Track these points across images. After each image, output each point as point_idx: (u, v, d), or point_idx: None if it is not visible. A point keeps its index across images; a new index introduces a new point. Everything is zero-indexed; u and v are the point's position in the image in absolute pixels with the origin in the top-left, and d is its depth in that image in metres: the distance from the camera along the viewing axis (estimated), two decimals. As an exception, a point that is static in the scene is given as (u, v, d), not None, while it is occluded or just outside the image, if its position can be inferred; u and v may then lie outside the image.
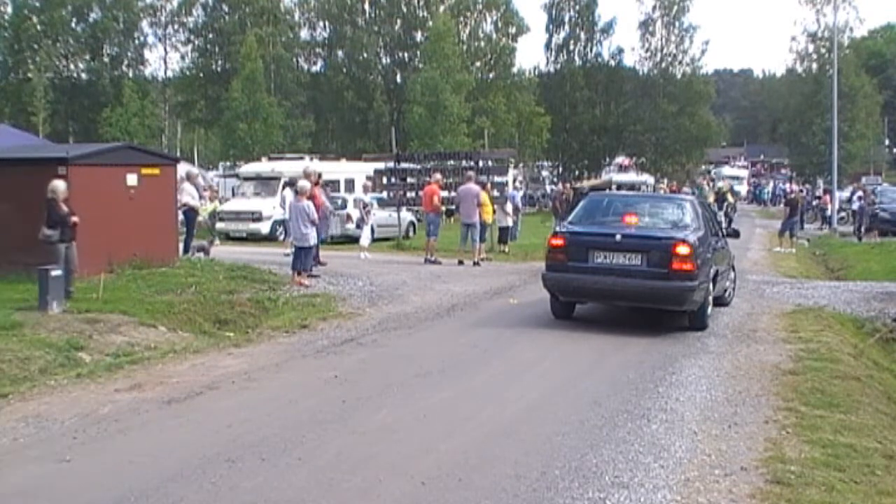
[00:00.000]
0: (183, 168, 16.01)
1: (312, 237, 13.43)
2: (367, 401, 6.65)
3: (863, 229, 28.56)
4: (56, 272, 9.55)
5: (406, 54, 52.25)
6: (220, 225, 22.36)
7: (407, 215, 22.78)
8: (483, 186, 17.89)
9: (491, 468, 5.12)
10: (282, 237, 20.70)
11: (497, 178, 20.28)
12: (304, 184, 14.08)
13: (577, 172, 54.73)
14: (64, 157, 11.83)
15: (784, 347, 9.10)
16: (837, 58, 38.55)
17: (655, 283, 9.63)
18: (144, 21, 51.39)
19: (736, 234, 12.57)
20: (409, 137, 40.13)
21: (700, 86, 53.09)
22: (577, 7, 53.85)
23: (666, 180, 49.46)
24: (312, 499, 4.62)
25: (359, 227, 19.27)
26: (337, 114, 51.63)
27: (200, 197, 17.99)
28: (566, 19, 54.25)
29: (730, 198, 31.87)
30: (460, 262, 16.61)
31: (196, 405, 6.50)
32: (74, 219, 10.23)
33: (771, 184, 59.89)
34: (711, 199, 29.96)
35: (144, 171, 12.85)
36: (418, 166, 20.84)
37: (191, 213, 15.81)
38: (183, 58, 52.02)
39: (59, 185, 10.31)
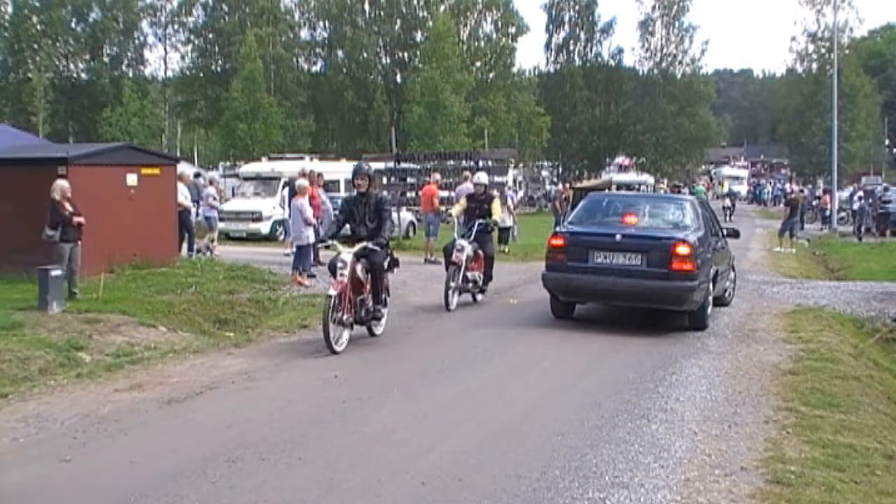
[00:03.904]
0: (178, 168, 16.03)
1: (308, 236, 13.46)
2: (367, 401, 6.65)
3: (862, 229, 28.57)
4: (56, 272, 9.56)
5: (406, 54, 52.34)
6: (220, 225, 22.36)
7: (407, 215, 22.79)
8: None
9: (491, 468, 5.12)
10: (282, 237, 20.71)
11: (497, 178, 20.29)
12: (301, 182, 14.24)
13: (577, 172, 54.79)
14: (64, 157, 11.84)
15: (784, 347, 9.10)
16: (837, 58, 38.57)
17: (655, 283, 9.62)
18: (144, 21, 51.57)
19: (736, 234, 12.56)
20: (409, 137, 40.17)
21: (700, 86, 53.21)
22: (577, 7, 53.97)
23: (666, 180, 49.52)
24: (312, 499, 4.62)
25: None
26: (337, 114, 51.71)
27: (200, 197, 18.00)
28: (566, 19, 54.38)
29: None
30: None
31: (196, 405, 6.50)
32: (79, 219, 10.23)
33: (770, 185, 59.87)
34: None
35: (144, 171, 12.87)
36: (418, 166, 20.85)
37: (184, 213, 15.76)
38: (183, 58, 52.21)
39: (61, 184, 10.32)
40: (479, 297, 12.15)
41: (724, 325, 10.50)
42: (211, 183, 19.67)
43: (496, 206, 12.42)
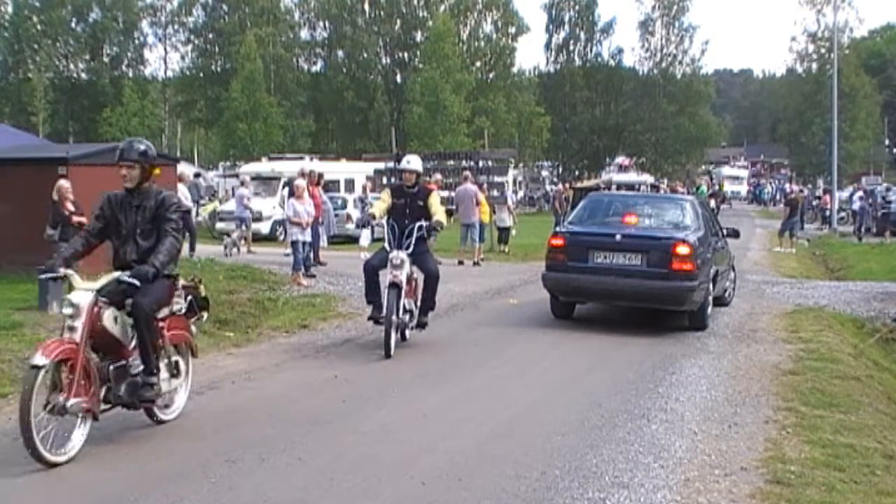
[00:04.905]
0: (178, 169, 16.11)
1: (297, 234, 13.54)
2: (367, 401, 6.65)
3: (862, 229, 28.57)
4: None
5: (406, 54, 52.43)
6: (219, 225, 22.38)
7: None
8: (479, 186, 17.92)
9: (491, 468, 5.11)
10: (282, 237, 20.74)
11: (497, 178, 20.29)
12: (297, 182, 14.48)
13: (577, 172, 54.85)
14: (64, 157, 11.85)
15: (784, 347, 9.10)
16: (837, 58, 38.60)
17: (655, 283, 9.62)
18: (144, 21, 51.67)
19: (736, 234, 12.56)
20: (409, 137, 40.21)
21: (700, 86, 53.34)
22: (577, 7, 54.08)
23: (666, 180, 49.58)
24: (312, 499, 4.62)
25: (359, 227, 19.29)
26: (337, 114, 51.77)
27: (200, 198, 18.05)
28: (566, 19, 54.48)
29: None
30: (460, 263, 16.62)
31: (196, 405, 6.49)
32: (80, 219, 10.23)
33: (770, 185, 59.86)
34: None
35: (144, 171, 12.84)
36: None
37: (185, 213, 15.80)
38: (183, 58, 52.31)
39: (61, 184, 10.33)
40: (411, 332, 8.87)
41: (724, 325, 10.50)
42: (243, 184, 19.88)
43: (435, 200, 8.80)
